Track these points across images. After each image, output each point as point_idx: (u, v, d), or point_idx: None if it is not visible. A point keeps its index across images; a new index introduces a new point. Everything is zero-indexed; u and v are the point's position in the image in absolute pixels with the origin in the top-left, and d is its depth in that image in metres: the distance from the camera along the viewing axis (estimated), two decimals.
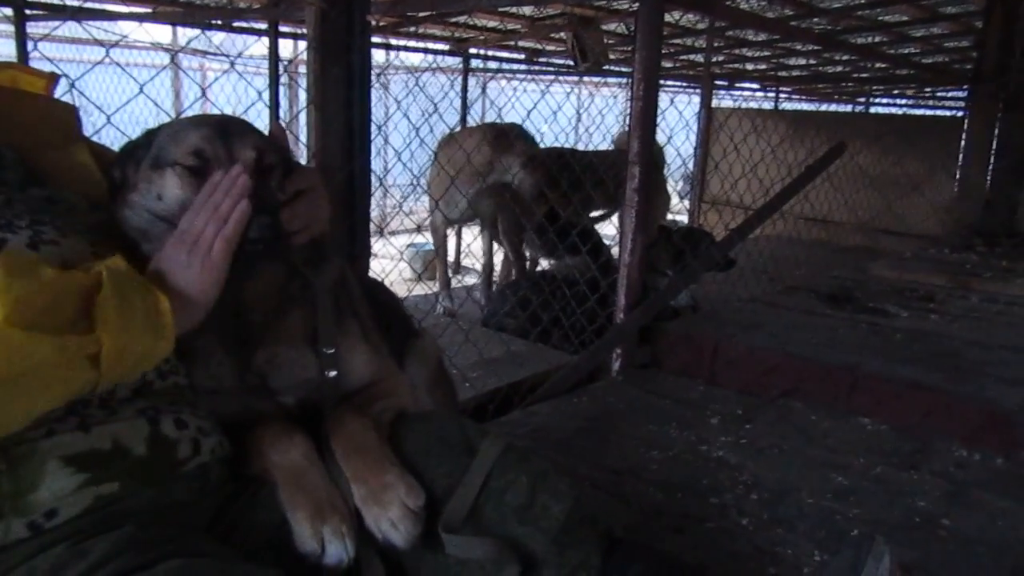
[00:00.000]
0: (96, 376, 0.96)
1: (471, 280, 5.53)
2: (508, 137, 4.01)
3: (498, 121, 4.62)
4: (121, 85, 7.01)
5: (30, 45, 4.77)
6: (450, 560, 1.18)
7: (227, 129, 1.23)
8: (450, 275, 4.29)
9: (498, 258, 4.82)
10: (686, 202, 7.92)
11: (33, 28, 4.94)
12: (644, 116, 2.80)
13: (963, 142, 6.14)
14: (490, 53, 7.08)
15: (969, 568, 1.70)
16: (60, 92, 1.47)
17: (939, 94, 9.64)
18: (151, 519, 1.04)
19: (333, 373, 1.31)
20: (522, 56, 7.22)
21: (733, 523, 1.86)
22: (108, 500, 1.02)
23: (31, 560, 0.95)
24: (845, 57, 7.23)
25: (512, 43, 6.51)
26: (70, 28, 5.46)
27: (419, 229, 7.81)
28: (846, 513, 1.93)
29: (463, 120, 6.91)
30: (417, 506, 1.15)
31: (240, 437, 1.23)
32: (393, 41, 6.13)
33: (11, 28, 4.82)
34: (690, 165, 7.05)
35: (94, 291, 0.98)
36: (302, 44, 7.07)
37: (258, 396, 1.29)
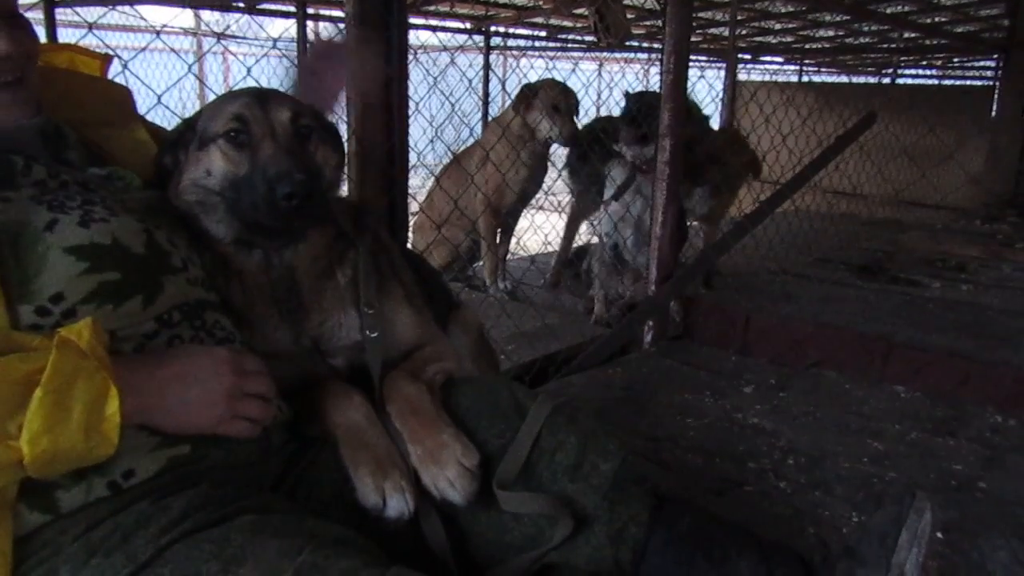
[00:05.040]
0: (23, 472, 0.92)
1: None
2: (529, 93, 3.80)
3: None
4: (148, 70, 7.08)
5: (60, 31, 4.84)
6: (504, 516, 1.23)
7: (264, 95, 1.30)
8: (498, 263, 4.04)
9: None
10: None
11: (63, 15, 5.00)
12: (675, 89, 2.81)
13: (993, 112, 6.06)
14: (511, 31, 7.04)
15: (1008, 528, 1.72)
16: (111, 74, 1.52)
17: (967, 64, 9.48)
18: (223, 478, 1.09)
19: (374, 334, 1.34)
20: (543, 33, 7.17)
21: (771, 486, 1.90)
22: (181, 461, 1.07)
23: (115, 516, 1.00)
24: (872, 28, 7.12)
25: (540, 20, 6.47)
26: (92, 14, 5.51)
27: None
28: (882, 477, 1.95)
29: (485, 99, 6.86)
30: (473, 465, 1.20)
31: (299, 399, 1.28)
32: (414, 20, 6.12)
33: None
34: None
35: (38, 378, 0.91)
36: (323, 26, 7.08)
37: (311, 359, 1.34)
